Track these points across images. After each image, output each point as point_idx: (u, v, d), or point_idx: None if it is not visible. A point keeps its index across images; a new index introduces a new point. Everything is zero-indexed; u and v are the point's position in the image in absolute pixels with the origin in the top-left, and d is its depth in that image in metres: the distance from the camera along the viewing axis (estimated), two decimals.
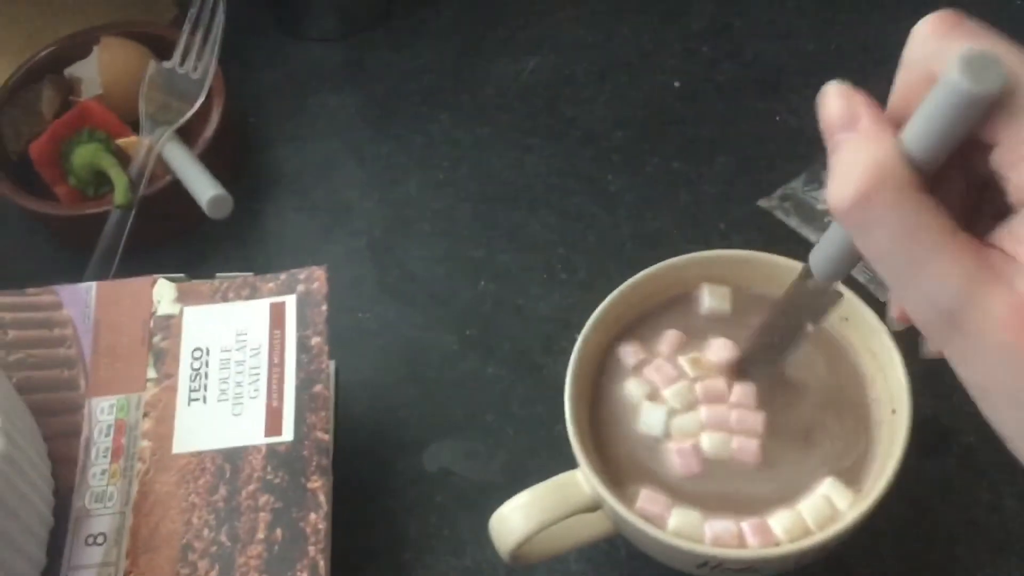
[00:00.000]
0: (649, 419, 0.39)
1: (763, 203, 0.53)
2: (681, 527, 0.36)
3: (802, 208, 0.52)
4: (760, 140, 0.56)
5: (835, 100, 0.26)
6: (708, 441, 0.38)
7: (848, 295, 0.39)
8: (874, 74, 0.28)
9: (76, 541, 0.39)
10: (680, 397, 0.39)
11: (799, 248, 0.51)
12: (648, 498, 0.36)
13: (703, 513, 0.36)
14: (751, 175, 0.54)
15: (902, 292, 0.25)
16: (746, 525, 0.36)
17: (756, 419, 0.38)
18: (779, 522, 0.36)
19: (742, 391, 0.39)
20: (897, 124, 0.25)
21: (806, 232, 0.51)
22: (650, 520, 0.35)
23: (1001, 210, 0.25)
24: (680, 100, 0.58)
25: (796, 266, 0.41)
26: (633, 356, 0.41)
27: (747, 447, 0.38)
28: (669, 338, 0.40)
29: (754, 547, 0.35)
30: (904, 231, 0.24)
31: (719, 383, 0.39)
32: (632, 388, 0.40)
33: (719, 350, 0.40)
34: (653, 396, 0.39)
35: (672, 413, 0.39)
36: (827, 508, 0.36)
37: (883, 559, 0.42)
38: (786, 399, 0.39)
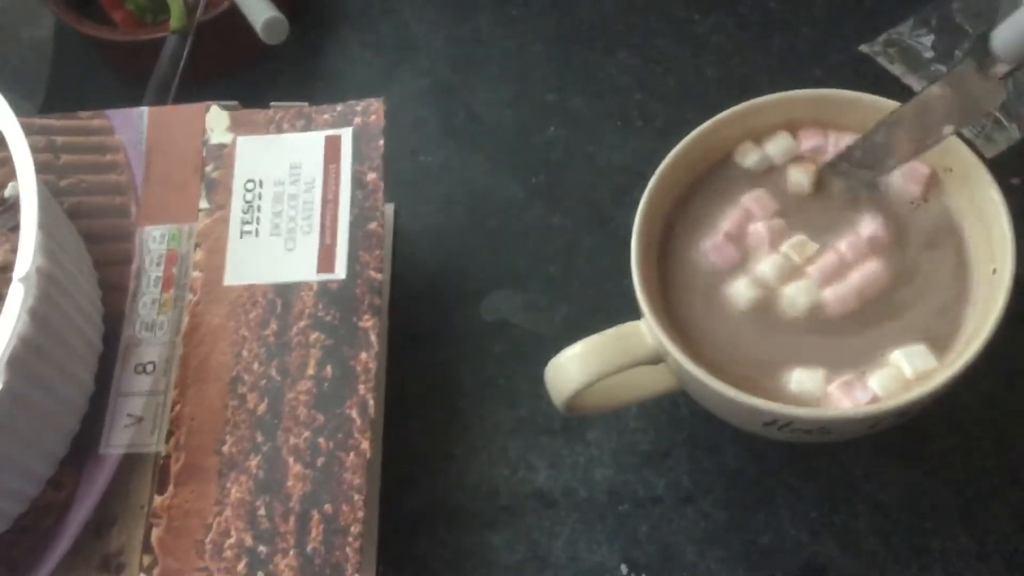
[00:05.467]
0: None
1: (865, 48, 0.48)
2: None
3: (908, 55, 0.47)
4: None
5: None
6: (793, 289, 0.35)
7: (953, 142, 0.35)
8: None
9: (125, 368, 0.38)
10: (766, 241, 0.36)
11: (903, 97, 0.47)
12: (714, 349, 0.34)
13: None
14: (854, 18, 0.49)
15: None
16: (833, 386, 0.33)
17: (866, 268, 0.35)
18: (875, 380, 0.33)
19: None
20: None
21: (911, 81, 0.46)
22: (714, 374, 0.33)
23: None
24: None
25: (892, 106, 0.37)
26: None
27: (842, 295, 0.35)
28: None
29: (832, 407, 0.32)
30: None
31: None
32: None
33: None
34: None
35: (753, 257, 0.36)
36: (909, 371, 0.33)
37: (966, 432, 0.40)
38: (879, 250, 0.36)
